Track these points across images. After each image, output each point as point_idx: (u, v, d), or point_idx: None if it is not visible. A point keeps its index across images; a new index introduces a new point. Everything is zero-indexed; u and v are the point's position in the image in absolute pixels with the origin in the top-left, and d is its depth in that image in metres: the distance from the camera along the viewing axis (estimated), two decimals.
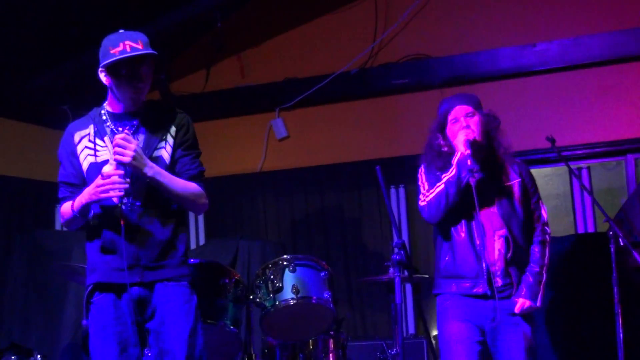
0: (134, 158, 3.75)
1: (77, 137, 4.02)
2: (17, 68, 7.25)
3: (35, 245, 7.24)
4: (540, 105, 7.47)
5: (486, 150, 4.51)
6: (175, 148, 4.03)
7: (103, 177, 3.75)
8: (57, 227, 8.08)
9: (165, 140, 4.01)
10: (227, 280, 5.48)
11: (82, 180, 4.02)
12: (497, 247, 4.38)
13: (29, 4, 6.53)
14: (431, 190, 4.46)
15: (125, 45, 3.85)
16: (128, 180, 3.76)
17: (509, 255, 4.39)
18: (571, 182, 7.58)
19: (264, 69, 8.25)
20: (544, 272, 4.45)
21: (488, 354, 4.46)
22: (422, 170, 4.62)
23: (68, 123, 4.01)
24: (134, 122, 3.99)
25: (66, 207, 4.01)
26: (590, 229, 7.43)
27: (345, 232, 7.94)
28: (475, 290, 4.41)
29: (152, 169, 3.84)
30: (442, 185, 4.40)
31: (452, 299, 4.50)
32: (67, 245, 7.09)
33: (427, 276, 6.19)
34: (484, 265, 4.37)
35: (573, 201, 7.58)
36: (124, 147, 3.75)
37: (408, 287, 7.41)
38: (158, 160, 3.95)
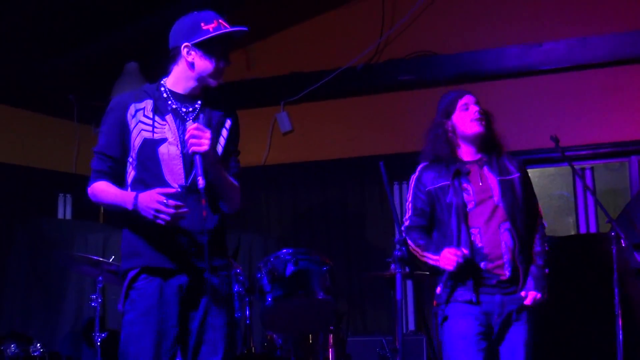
0: (210, 147, 3.66)
1: (132, 109, 3.86)
2: (23, 56, 7.23)
3: (37, 233, 7.19)
4: (545, 104, 7.46)
5: (483, 144, 4.54)
6: (229, 141, 3.97)
7: (166, 203, 3.58)
8: (60, 215, 8.08)
9: (220, 132, 3.93)
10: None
11: (122, 155, 3.86)
12: (502, 239, 4.36)
13: None
14: (415, 237, 4.51)
15: (219, 23, 3.80)
16: (185, 210, 3.62)
17: (516, 248, 4.35)
18: (574, 182, 7.57)
19: (270, 63, 8.24)
20: (546, 265, 4.44)
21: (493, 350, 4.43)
22: (413, 180, 4.63)
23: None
24: (196, 106, 3.91)
25: (103, 191, 3.82)
26: (593, 230, 7.43)
27: (348, 227, 7.93)
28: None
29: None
30: (425, 257, 4.46)
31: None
32: (70, 234, 7.09)
33: (428, 273, 6.09)
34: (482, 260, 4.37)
35: (576, 201, 7.57)
36: (200, 137, 3.65)
37: (409, 284, 7.40)
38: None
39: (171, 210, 3.58)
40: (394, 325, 5.80)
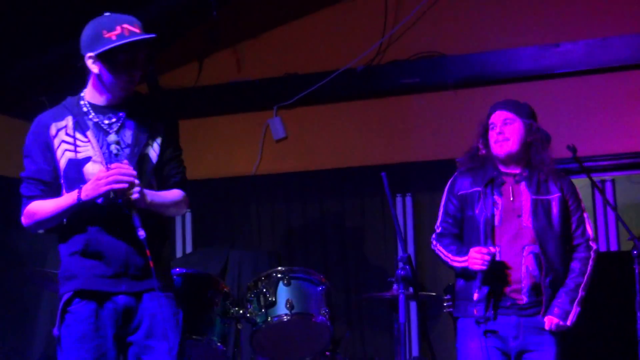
0: (140, 193, 3.61)
1: (53, 129, 3.81)
2: None
3: (5, 248, 7.06)
4: (561, 110, 7.26)
5: (523, 160, 4.61)
6: (164, 148, 3.92)
7: (109, 168, 3.60)
8: None
9: (154, 138, 3.89)
10: (215, 293, 5.41)
11: (55, 178, 3.83)
12: (525, 263, 4.41)
13: None
14: (446, 243, 4.60)
15: (123, 29, 3.69)
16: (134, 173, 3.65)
17: (538, 272, 4.41)
18: (593, 196, 7.45)
19: (262, 63, 8.10)
20: (580, 289, 4.47)
21: None
22: (448, 185, 4.73)
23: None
24: (120, 115, 3.84)
25: (41, 206, 3.81)
26: (613, 247, 7.31)
27: (346, 243, 7.77)
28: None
29: (148, 195, 3.73)
30: (454, 262, 4.52)
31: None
32: (42, 249, 6.93)
33: (434, 294, 6.30)
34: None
35: (595, 216, 7.45)
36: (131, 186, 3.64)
37: (413, 306, 7.29)
38: (146, 159, 3.83)
39: (114, 170, 3.57)
40: (396, 350, 5.68)
